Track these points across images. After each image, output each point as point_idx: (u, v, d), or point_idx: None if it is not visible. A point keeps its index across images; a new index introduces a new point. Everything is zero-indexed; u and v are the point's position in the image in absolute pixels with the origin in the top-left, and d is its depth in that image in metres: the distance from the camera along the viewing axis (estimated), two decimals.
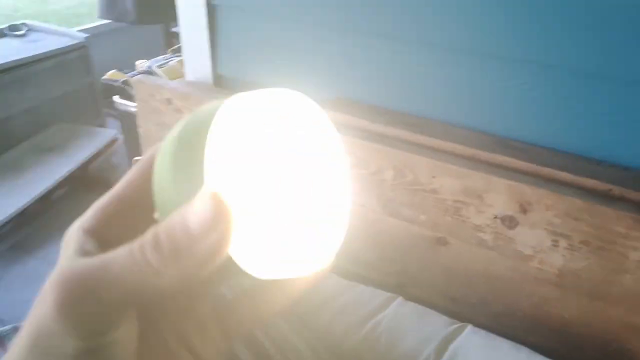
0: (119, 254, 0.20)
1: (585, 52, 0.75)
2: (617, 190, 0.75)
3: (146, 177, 0.25)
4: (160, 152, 0.23)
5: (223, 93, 1.01)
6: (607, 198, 0.75)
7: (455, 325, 0.82)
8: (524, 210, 0.79)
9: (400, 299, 0.87)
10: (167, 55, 1.43)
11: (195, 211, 0.20)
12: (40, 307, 0.20)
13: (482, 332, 0.80)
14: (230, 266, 0.21)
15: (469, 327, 0.81)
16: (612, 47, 0.73)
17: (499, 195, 0.79)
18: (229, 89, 1.10)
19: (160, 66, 1.31)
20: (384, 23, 0.88)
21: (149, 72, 1.31)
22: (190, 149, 0.21)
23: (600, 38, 0.73)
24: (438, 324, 0.82)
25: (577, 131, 0.82)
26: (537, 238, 0.79)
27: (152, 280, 0.20)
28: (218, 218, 0.19)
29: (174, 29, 2.06)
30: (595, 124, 0.81)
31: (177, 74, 1.30)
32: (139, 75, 1.02)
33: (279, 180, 0.21)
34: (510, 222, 0.80)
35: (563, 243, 0.77)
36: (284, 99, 0.22)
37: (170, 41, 2.06)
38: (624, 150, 0.80)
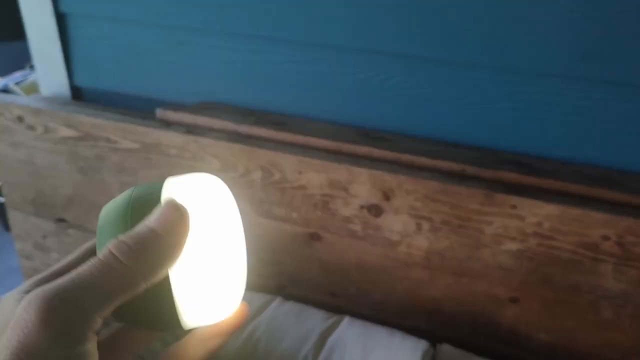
0: (85, 266, 0.23)
1: (426, 39, 0.81)
2: (469, 169, 0.81)
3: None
4: (107, 217, 0.27)
5: (81, 107, 0.98)
6: (461, 178, 0.80)
7: (333, 319, 0.84)
8: (387, 197, 0.82)
9: (278, 299, 0.88)
10: (26, 72, 1.36)
11: (156, 217, 0.25)
12: (18, 328, 0.21)
13: (359, 322, 0.83)
14: (156, 323, 0.27)
15: (346, 319, 0.84)
16: (448, 32, 0.79)
17: (363, 185, 0.83)
18: (88, 101, 1.07)
19: (18, 83, 1.25)
20: (240, 21, 0.90)
21: (5, 90, 1.24)
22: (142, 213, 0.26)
23: (440, 24, 0.79)
24: (316, 319, 0.84)
25: (432, 117, 0.87)
26: (402, 223, 0.83)
27: (123, 275, 0.23)
28: (177, 217, 0.25)
29: None
30: (448, 108, 0.86)
31: (37, 90, 1.24)
32: None
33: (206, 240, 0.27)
34: (376, 210, 0.84)
35: (426, 225, 0.82)
36: (205, 181, 0.31)
37: None
38: (475, 132, 0.86)
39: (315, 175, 0.85)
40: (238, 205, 0.34)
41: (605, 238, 0.73)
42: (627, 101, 0.75)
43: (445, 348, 0.79)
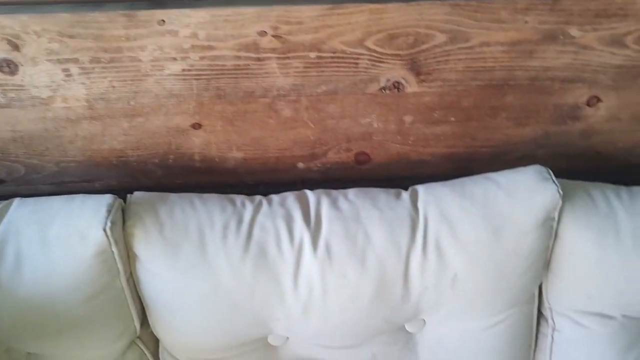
0: None
1: None
2: None
3: None
4: None
5: None
6: (95, 2, 0.69)
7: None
8: (16, 47, 0.68)
9: None
10: None
11: None
12: None
13: (31, 200, 0.71)
14: None
15: (15, 201, 0.71)
16: None
17: None
18: None
19: None
20: None
21: None
22: None
23: None
24: None
25: None
26: (46, 74, 0.70)
27: None
28: None
29: None
30: None
31: None
32: None
33: None
34: (9, 67, 0.69)
35: (75, 69, 0.70)
36: None
37: None
38: None
39: None
40: None
41: (262, 34, 0.70)
42: None
43: (138, 195, 0.72)
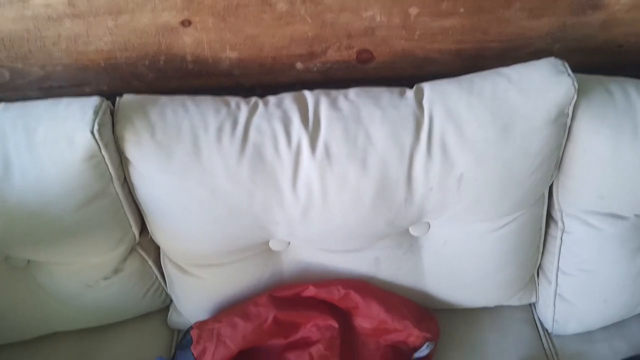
0: None
1: None
2: None
3: None
4: None
5: None
6: None
7: None
8: None
9: None
10: None
11: None
12: None
13: (17, 104, 0.68)
14: None
15: (1, 106, 0.68)
16: None
17: None
18: None
19: None
20: None
21: None
22: None
23: None
24: None
25: None
26: None
27: None
28: None
29: None
30: None
31: None
32: None
33: None
34: None
35: None
36: None
37: None
38: None
39: None
40: None
41: None
42: None
43: (127, 97, 0.69)
